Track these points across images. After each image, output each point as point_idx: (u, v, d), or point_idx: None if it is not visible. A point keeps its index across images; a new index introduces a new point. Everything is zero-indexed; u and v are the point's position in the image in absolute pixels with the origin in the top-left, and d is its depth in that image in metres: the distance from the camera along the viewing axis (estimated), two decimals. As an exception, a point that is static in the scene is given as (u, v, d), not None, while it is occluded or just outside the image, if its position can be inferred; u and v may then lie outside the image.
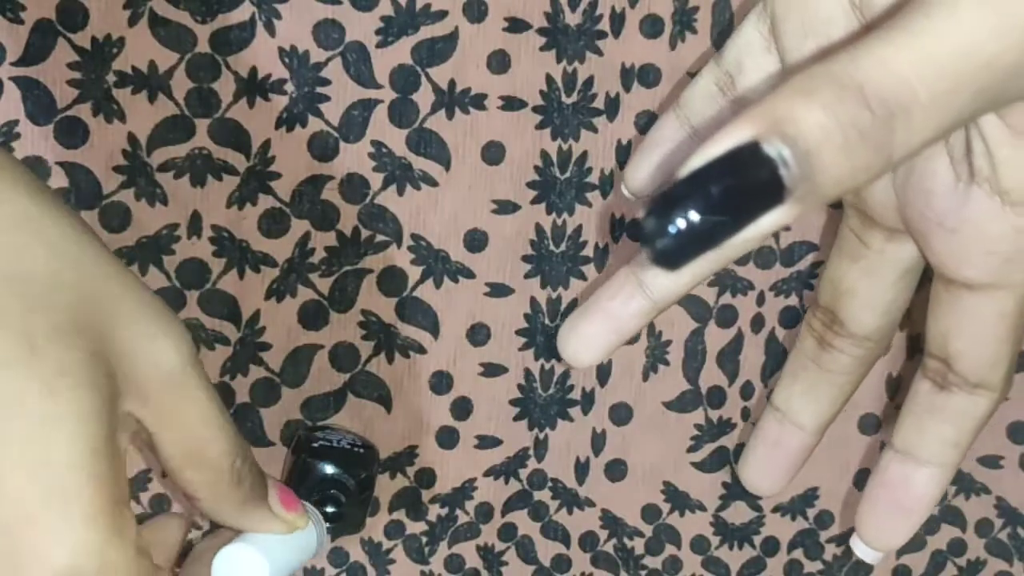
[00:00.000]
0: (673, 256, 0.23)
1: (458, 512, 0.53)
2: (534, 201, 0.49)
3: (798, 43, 0.34)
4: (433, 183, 0.48)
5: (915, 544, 0.56)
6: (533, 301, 0.50)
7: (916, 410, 0.35)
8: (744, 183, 0.23)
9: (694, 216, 0.23)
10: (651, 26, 0.47)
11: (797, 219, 0.24)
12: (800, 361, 0.39)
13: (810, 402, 0.38)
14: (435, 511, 0.52)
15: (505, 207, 0.49)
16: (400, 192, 0.48)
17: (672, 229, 0.23)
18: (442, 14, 0.46)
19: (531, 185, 0.49)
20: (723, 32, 0.47)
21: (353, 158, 0.48)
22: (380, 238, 0.49)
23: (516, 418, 0.52)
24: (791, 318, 0.51)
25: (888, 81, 0.24)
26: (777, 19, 0.34)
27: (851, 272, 0.36)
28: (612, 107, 0.48)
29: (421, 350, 0.50)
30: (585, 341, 0.37)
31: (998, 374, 0.33)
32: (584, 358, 0.37)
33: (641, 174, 0.40)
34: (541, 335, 0.51)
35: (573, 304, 0.51)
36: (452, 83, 0.47)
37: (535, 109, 0.47)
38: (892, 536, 0.37)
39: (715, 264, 0.36)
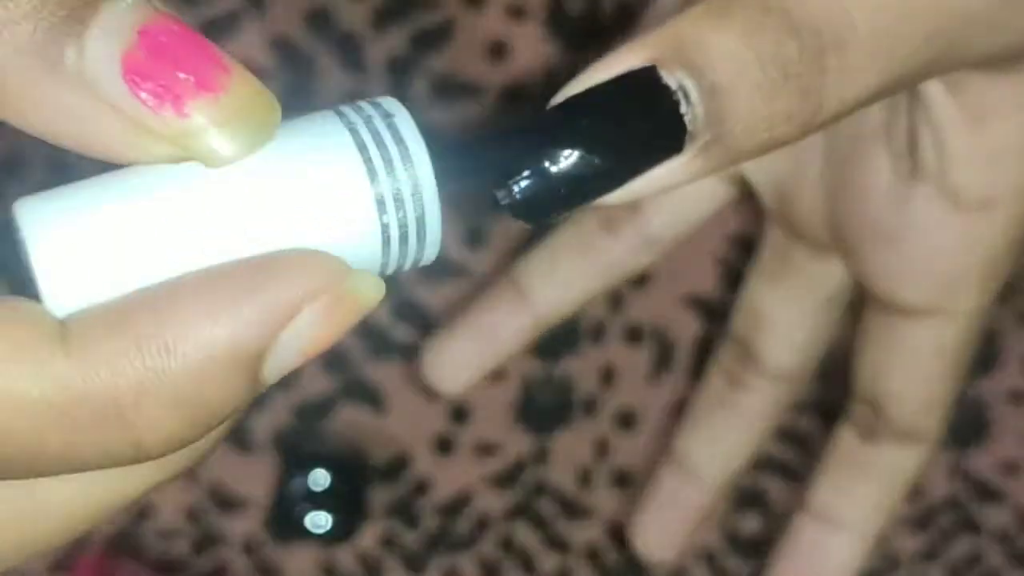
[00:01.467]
0: (536, 205, 0.18)
1: (455, 521, 0.51)
2: (534, 197, 0.48)
3: None
4: (428, 179, 0.47)
5: (930, 553, 0.55)
6: (533, 302, 0.49)
7: (838, 466, 0.31)
8: (633, 118, 0.18)
9: (567, 156, 0.18)
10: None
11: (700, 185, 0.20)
12: (706, 404, 0.34)
13: (716, 452, 0.34)
14: (431, 520, 0.51)
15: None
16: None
17: (536, 170, 0.18)
18: (436, 2, 0.45)
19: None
20: None
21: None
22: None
23: (515, 423, 0.50)
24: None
25: (821, 5, 0.20)
26: None
27: (770, 297, 0.33)
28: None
29: (416, 353, 0.49)
30: (454, 365, 0.33)
31: (932, 421, 0.30)
32: (451, 385, 0.33)
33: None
34: (542, 337, 0.50)
35: (574, 305, 0.49)
36: (448, 73, 0.46)
37: (535, 100, 0.46)
38: None
39: (608, 274, 0.33)
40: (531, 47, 0.46)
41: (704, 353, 0.50)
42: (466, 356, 0.33)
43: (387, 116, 0.17)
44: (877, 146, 0.27)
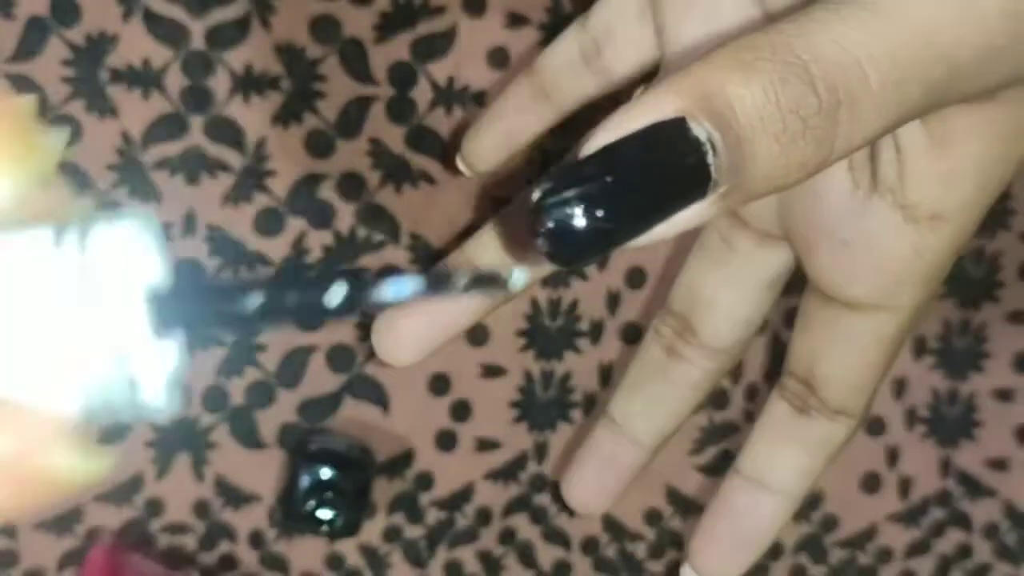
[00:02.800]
0: (574, 251, 0.19)
1: (457, 516, 0.52)
2: (534, 200, 0.48)
3: (678, 16, 0.29)
4: (432, 181, 0.48)
5: (921, 548, 0.55)
6: (534, 301, 0.50)
7: (770, 434, 0.32)
8: (662, 167, 0.19)
9: (602, 205, 0.18)
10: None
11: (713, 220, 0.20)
12: (643, 371, 0.35)
13: (650, 416, 0.35)
14: (433, 515, 0.52)
15: (505, 206, 0.48)
16: (398, 190, 0.47)
17: (575, 219, 0.18)
18: (440, 9, 0.45)
19: (531, 184, 0.48)
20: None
21: (350, 156, 0.47)
22: (377, 237, 0.48)
23: (516, 420, 0.51)
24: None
25: (840, 62, 0.20)
26: None
27: (711, 278, 0.33)
28: (612, 106, 0.47)
29: (419, 351, 0.49)
30: (404, 337, 0.33)
31: (861, 401, 0.31)
32: (401, 355, 0.34)
33: (483, 146, 0.35)
34: (541, 336, 0.50)
35: (574, 303, 0.50)
36: (451, 79, 0.46)
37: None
38: (729, 569, 0.33)
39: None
40: (532, 53, 0.46)
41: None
42: (415, 330, 0.34)
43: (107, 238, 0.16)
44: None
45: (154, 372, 0.15)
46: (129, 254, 0.15)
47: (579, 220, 0.18)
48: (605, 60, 0.32)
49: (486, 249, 0.34)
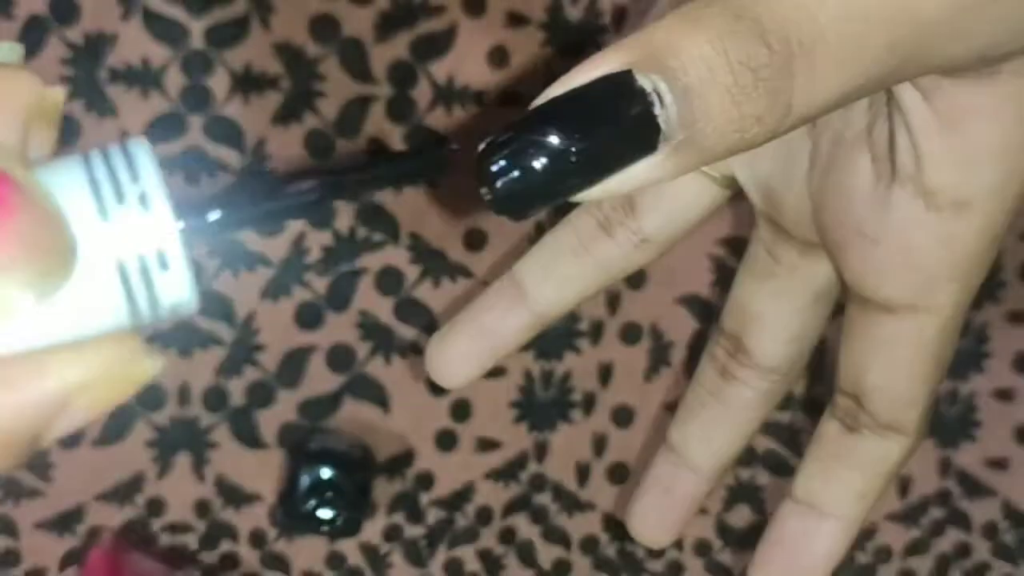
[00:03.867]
0: (516, 200, 0.19)
1: (457, 515, 0.52)
2: (534, 199, 0.48)
3: None
4: (432, 182, 0.48)
5: (920, 547, 0.56)
6: (533, 301, 0.50)
7: (822, 455, 0.31)
8: (609, 118, 0.19)
9: (547, 153, 0.19)
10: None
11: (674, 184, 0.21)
12: (699, 395, 0.34)
13: (708, 441, 0.34)
14: (434, 514, 0.52)
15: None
16: (398, 191, 0.47)
17: (519, 169, 0.19)
18: (440, 9, 0.45)
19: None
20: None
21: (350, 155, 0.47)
22: (377, 237, 0.48)
23: (516, 420, 0.51)
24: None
25: (791, 14, 0.20)
26: None
27: (759, 294, 0.32)
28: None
29: (419, 351, 0.49)
30: (455, 360, 0.33)
31: (913, 415, 0.29)
32: (452, 380, 0.33)
33: None
34: (541, 336, 0.50)
35: (574, 304, 0.50)
36: (451, 79, 0.46)
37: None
38: None
39: (604, 274, 0.33)
40: (531, 52, 0.46)
41: (700, 351, 0.51)
42: (466, 353, 0.33)
43: (128, 158, 0.16)
44: (860, 149, 0.27)
45: (184, 271, 0.16)
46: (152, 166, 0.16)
47: (521, 170, 0.19)
48: None
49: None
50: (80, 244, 0.16)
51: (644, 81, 0.19)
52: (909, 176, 0.26)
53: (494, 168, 0.19)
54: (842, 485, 0.31)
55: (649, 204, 0.32)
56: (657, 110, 0.19)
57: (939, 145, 0.25)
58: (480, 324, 0.33)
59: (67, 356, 0.16)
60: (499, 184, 0.19)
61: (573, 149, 0.19)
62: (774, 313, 0.32)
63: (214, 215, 0.17)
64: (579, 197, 0.20)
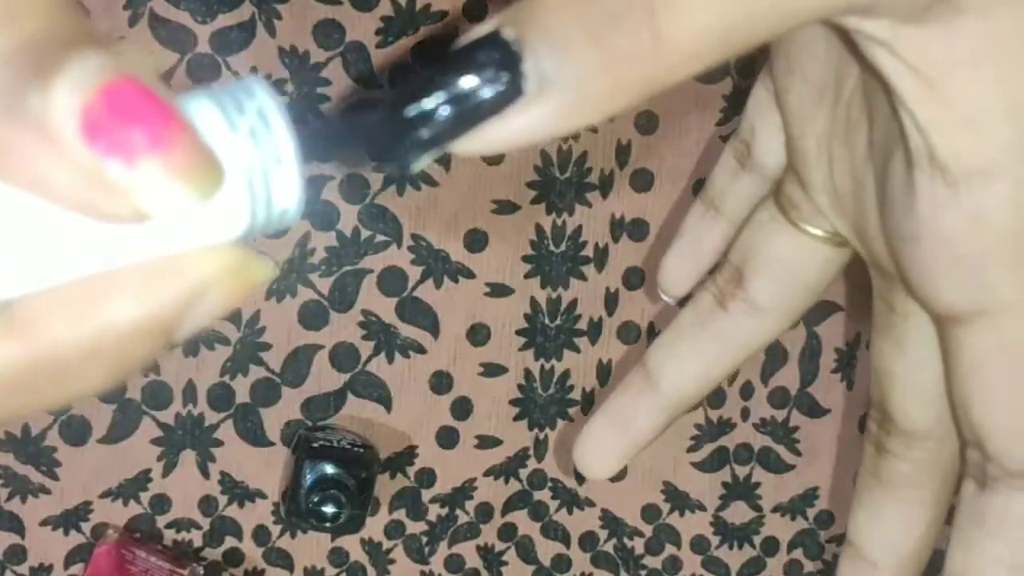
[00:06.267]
0: (394, 149, 0.20)
1: (458, 512, 0.52)
2: (534, 201, 0.49)
3: (785, 81, 0.28)
4: (433, 183, 0.48)
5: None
6: (533, 301, 0.50)
7: (961, 523, 0.27)
8: (477, 70, 0.20)
9: (419, 103, 0.20)
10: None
11: (570, 131, 0.22)
12: (864, 479, 0.30)
13: (879, 530, 0.30)
14: (435, 511, 0.52)
15: (505, 207, 0.49)
16: (400, 192, 0.48)
17: (393, 119, 0.20)
18: (442, 14, 0.46)
19: (531, 185, 0.49)
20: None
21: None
22: (380, 238, 0.48)
23: (516, 418, 0.52)
24: (791, 318, 0.51)
25: None
26: (771, 63, 0.29)
27: (886, 348, 0.29)
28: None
29: (421, 350, 0.50)
30: (598, 454, 0.32)
31: None
32: (598, 473, 0.32)
33: (677, 272, 0.34)
34: (541, 335, 0.51)
35: (573, 304, 0.51)
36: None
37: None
38: None
39: (728, 351, 0.31)
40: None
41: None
42: (607, 446, 0.32)
43: (243, 86, 0.18)
44: (897, 150, 0.25)
45: (297, 177, 0.18)
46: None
47: (402, 118, 0.20)
48: (755, 156, 0.32)
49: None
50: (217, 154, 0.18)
51: (508, 33, 0.20)
52: (922, 154, 0.23)
53: (381, 130, 0.20)
54: (988, 556, 0.26)
55: (755, 271, 0.31)
56: (516, 48, 0.20)
57: (933, 109, 0.23)
58: (616, 414, 0.32)
59: (200, 256, 0.18)
60: (387, 139, 0.20)
61: (444, 98, 0.20)
62: (902, 368, 0.29)
63: (320, 129, 0.20)
64: (462, 148, 0.20)
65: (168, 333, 0.18)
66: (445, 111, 0.20)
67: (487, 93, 0.20)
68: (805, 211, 0.28)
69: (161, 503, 0.50)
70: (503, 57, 0.20)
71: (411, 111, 0.20)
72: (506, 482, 0.52)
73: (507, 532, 0.53)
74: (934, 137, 0.23)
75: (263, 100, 0.18)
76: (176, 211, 0.17)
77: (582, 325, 0.51)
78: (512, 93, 0.20)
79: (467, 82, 0.20)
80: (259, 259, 0.18)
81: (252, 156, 0.18)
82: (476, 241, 0.49)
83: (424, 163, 0.20)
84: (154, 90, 0.17)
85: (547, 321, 0.50)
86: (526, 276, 0.50)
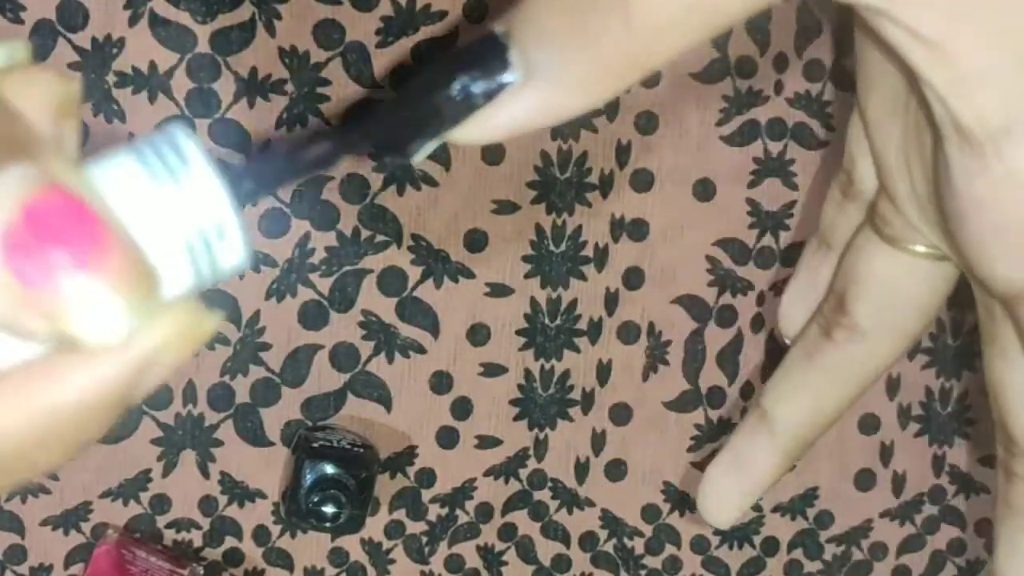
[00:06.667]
0: (393, 139, 0.21)
1: (458, 512, 0.53)
2: (534, 201, 0.49)
3: (865, 97, 0.28)
4: (433, 183, 0.48)
5: (915, 544, 0.56)
6: (533, 301, 0.50)
7: (1011, 529, 0.26)
8: (470, 63, 0.22)
9: (419, 92, 0.21)
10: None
11: (574, 117, 0.21)
12: (999, 510, 0.29)
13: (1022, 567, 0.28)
14: (435, 511, 0.52)
15: (505, 207, 0.49)
16: (400, 192, 0.48)
17: (390, 110, 0.22)
18: (442, 14, 0.46)
19: (531, 185, 0.49)
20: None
21: (353, 158, 0.47)
22: (380, 238, 0.49)
23: (516, 418, 0.52)
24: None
25: None
26: (859, 97, 0.28)
27: (995, 359, 0.28)
28: (611, 107, 0.48)
29: (421, 350, 0.50)
30: (720, 500, 0.32)
31: None
32: (723, 519, 0.32)
33: (795, 312, 0.34)
34: (541, 335, 0.51)
35: (573, 304, 0.51)
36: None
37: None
38: None
39: (838, 382, 0.30)
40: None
41: (697, 350, 0.52)
42: (729, 491, 0.32)
43: (171, 141, 0.18)
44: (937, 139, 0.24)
45: (237, 236, 0.18)
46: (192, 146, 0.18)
47: (401, 110, 0.21)
48: (856, 183, 0.31)
49: None
50: (149, 227, 0.17)
51: (499, 30, 0.21)
52: (947, 124, 0.22)
53: (380, 128, 0.21)
54: None
55: (856, 295, 0.30)
56: (503, 39, 0.21)
57: (944, 73, 0.22)
58: (735, 458, 0.31)
59: (146, 324, 0.18)
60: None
61: (440, 87, 0.21)
62: (1011, 375, 0.27)
63: (249, 183, 0.19)
64: (461, 136, 0.21)
65: (122, 403, 0.18)
66: (443, 100, 0.21)
67: (480, 82, 0.21)
68: (897, 226, 0.28)
69: (161, 503, 0.50)
70: (494, 48, 0.21)
71: (411, 102, 0.21)
72: (506, 482, 0.52)
73: (507, 532, 0.53)
74: (952, 102, 0.22)
75: (190, 154, 0.18)
76: (105, 332, 0.16)
77: (582, 325, 0.51)
78: (502, 80, 0.21)
79: (462, 72, 0.21)
80: (206, 312, 0.18)
81: (186, 213, 0.17)
82: (476, 241, 0.49)
83: (424, 153, 0.21)
84: (81, 199, 0.16)
85: (547, 321, 0.50)
86: (526, 276, 0.50)
